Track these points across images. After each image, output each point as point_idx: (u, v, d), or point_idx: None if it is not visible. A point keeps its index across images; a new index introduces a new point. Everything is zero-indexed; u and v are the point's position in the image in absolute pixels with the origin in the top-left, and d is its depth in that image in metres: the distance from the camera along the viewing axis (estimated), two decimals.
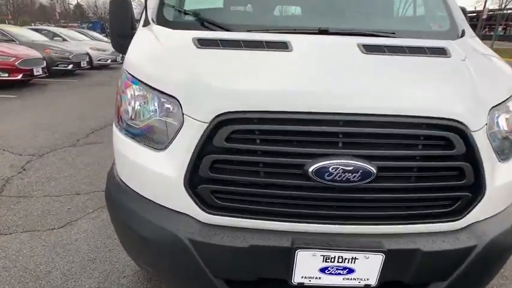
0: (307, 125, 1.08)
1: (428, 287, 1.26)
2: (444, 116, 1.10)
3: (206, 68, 1.22)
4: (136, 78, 1.28)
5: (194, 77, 1.18)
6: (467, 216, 1.18)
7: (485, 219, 1.24)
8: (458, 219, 1.18)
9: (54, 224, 2.57)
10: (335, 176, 1.06)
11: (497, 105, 1.23)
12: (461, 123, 1.10)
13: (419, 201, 1.16)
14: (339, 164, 1.05)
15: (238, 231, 1.16)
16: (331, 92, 1.11)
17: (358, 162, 1.06)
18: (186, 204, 1.16)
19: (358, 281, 1.17)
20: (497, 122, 1.23)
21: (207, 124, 1.09)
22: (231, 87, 1.14)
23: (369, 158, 1.08)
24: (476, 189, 1.16)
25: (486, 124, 1.17)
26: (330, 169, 1.06)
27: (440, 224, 1.18)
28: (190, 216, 1.18)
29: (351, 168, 1.06)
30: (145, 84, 1.25)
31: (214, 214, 1.16)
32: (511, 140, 1.26)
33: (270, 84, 1.14)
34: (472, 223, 1.21)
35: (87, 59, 11.16)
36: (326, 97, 1.10)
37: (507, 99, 1.27)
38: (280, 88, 1.12)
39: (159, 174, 1.18)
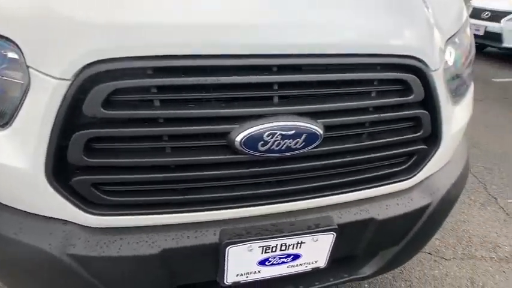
0: (229, 74, 0.73)
1: (379, 254, 1.12)
2: (401, 53, 0.85)
3: None
4: None
5: (43, 4, 0.72)
6: (421, 172, 1.01)
7: (437, 172, 1.09)
8: (412, 177, 1.00)
9: None
10: (272, 144, 0.76)
11: (450, 37, 1.03)
12: (421, 61, 0.87)
13: (372, 161, 0.94)
14: (276, 128, 0.75)
15: (144, 233, 0.82)
16: (258, 26, 0.76)
17: (301, 123, 0.77)
18: (58, 206, 0.77)
19: (305, 265, 0.95)
20: (450, 58, 1.03)
21: (70, 82, 0.68)
22: (107, 19, 0.69)
23: (314, 116, 0.80)
24: (433, 140, 0.97)
25: (443, 61, 0.96)
26: (265, 136, 0.75)
27: (394, 184, 0.99)
28: (68, 221, 0.80)
29: (292, 132, 0.76)
30: None
31: (104, 215, 0.79)
32: (463, 79, 1.09)
33: (169, 15, 0.73)
34: (424, 179, 1.05)
35: None
36: (252, 33, 0.75)
37: (459, 30, 1.07)
38: (185, 20, 0.73)
39: (2, 166, 0.75)
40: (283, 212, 0.91)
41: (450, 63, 1.02)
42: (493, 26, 6.61)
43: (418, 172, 1.00)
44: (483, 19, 6.83)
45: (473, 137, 3.37)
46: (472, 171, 2.76)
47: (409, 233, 1.05)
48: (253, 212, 0.88)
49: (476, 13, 7.02)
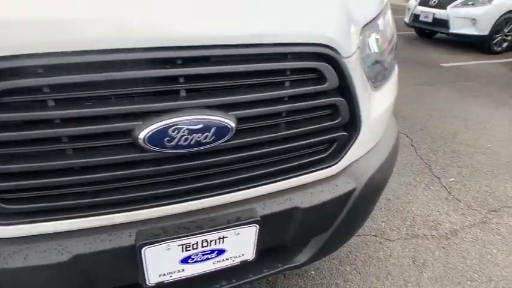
0: (126, 69, 0.70)
1: (310, 242, 1.13)
2: (310, 41, 0.85)
3: None
4: None
5: None
6: (344, 158, 1.02)
7: (361, 157, 1.11)
8: (336, 163, 1.01)
9: None
10: (179, 140, 0.74)
11: (368, 23, 1.04)
12: (332, 48, 0.87)
13: (291, 151, 0.94)
14: (182, 123, 0.73)
15: (54, 240, 0.78)
16: (157, 17, 0.73)
17: (209, 116, 0.75)
18: None
19: (232, 259, 0.95)
20: (369, 44, 1.05)
21: None
22: None
23: (224, 108, 0.78)
24: (353, 126, 0.99)
25: (359, 48, 0.97)
26: (170, 131, 0.73)
27: (317, 172, 1.00)
28: None
29: (200, 126, 0.75)
30: None
31: (6, 224, 0.75)
32: (383, 64, 1.11)
33: (54, 10, 0.68)
34: (349, 165, 1.07)
35: None
36: (150, 25, 0.72)
37: (377, 15, 1.09)
38: (73, 15, 0.68)
39: None
40: (204, 208, 0.89)
41: (369, 49, 1.04)
42: (440, 13, 6.90)
43: (341, 159, 1.01)
44: (431, 6, 7.11)
45: (422, 121, 3.51)
46: (419, 153, 2.88)
47: (337, 219, 1.07)
48: (173, 210, 0.86)
49: (424, 0, 7.29)
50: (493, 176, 2.60)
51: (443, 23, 6.88)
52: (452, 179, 2.53)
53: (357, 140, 1.02)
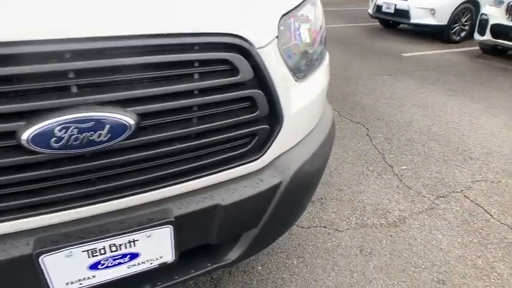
0: (11, 64, 0.64)
1: (240, 239, 1.10)
2: (218, 31, 0.81)
3: None
4: None
5: None
6: (268, 152, 1.00)
7: (290, 149, 1.09)
8: (259, 158, 0.99)
9: None
10: (69, 139, 0.68)
11: (289, 11, 1.01)
12: (242, 38, 0.83)
13: (207, 147, 0.90)
14: (69, 121, 0.67)
15: None
16: (45, 4, 0.67)
17: (101, 113, 0.70)
18: None
19: (150, 262, 0.90)
20: (292, 34, 1.02)
21: None
22: None
23: (122, 104, 0.73)
24: (274, 118, 0.96)
25: (277, 37, 0.94)
26: (57, 131, 0.67)
27: (240, 167, 0.97)
28: None
29: (91, 124, 0.69)
30: None
31: None
32: (308, 55, 1.08)
33: None
34: (276, 158, 1.04)
35: None
36: (38, 13, 0.65)
37: (300, 4, 1.06)
38: None
39: None
40: (115, 211, 0.84)
41: (291, 39, 1.01)
42: (401, 4, 7.04)
43: (264, 153, 0.99)
44: None
45: (379, 111, 3.57)
46: (373, 142, 2.92)
47: (265, 214, 1.04)
48: (79, 214, 0.80)
49: None
50: (443, 162, 2.68)
51: (405, 14, 7.03)
52: (405, 166, 2.59)
53: (281, 133, 0.99)
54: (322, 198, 2.18)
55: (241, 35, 0.83)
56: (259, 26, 0.88)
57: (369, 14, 8.09)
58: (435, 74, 4.91)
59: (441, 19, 6.80)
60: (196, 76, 0.81)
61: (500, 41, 5.47)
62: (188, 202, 0.90)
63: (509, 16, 5.27)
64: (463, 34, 7.18)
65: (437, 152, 2.81)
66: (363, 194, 2.25)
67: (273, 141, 0.99)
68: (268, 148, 0.99)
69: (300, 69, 1.05)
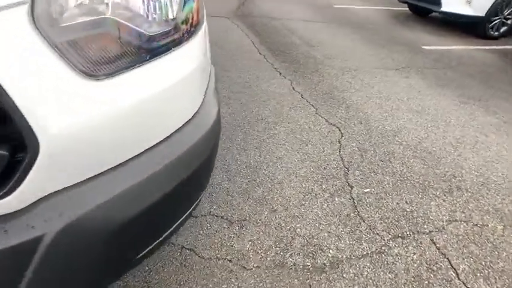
0: None
1: None
2: None
3: None
4: None
5: None
6: (21, 190, 0.61)
7: (62, 190, 0.68)
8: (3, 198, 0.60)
9: None
10: None
11: None
12: None
13: None
14: None
15: None
16: None
17: None
18: None
19: None
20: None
21: None
22: None
23: None
24: (20, 140, 0.57)
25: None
26: None
27: None
28: None
29: None
30: None
31: None
32: (120, 42, 0.67)
33: None
34: (39, 200, 0.65)
35: None
36: None
37: None
38: None
39: None
40: None
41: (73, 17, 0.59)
42: None
43: (8, 192, 0.60)
44: None
45: (367, 112, 3.04)
46: (342, 152, 2.43)
47: (24, 279, 0.66)
48: None
49: None
50: (421, 189, 2.17)
51: (435, 0, 6.18)
52: (368, 189, 2.11)
53: (41, 162, 0.59)
54: (244, 220, 1.76)
55: None
56: None
57: None
58: (452, 73, 4.23)
59: (479, 9, 5.92)
60: None
61: None
62: None
63: None
64: (503, 29, 6.27)
65: (418, 175, 2.29)
66: (299, 220, 1.81)
67: (25, 174, 0.60)
68: (17, 185, 0.60)
69: (99, 63, 0.63)
